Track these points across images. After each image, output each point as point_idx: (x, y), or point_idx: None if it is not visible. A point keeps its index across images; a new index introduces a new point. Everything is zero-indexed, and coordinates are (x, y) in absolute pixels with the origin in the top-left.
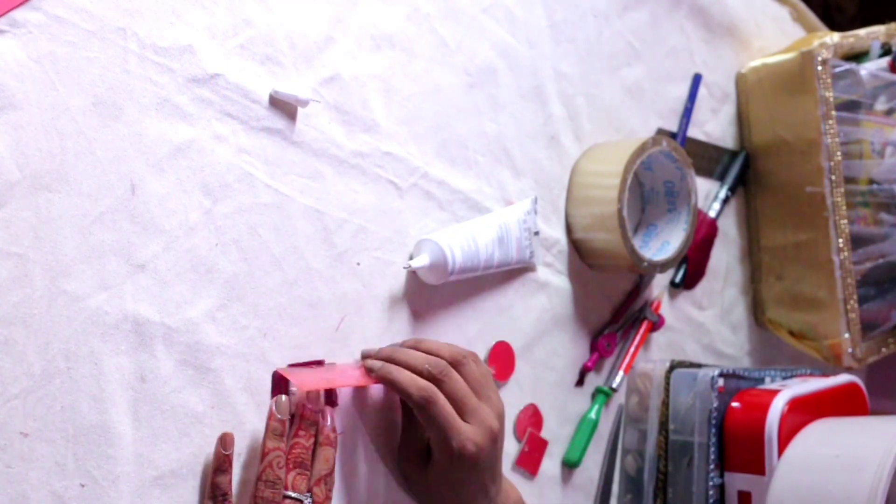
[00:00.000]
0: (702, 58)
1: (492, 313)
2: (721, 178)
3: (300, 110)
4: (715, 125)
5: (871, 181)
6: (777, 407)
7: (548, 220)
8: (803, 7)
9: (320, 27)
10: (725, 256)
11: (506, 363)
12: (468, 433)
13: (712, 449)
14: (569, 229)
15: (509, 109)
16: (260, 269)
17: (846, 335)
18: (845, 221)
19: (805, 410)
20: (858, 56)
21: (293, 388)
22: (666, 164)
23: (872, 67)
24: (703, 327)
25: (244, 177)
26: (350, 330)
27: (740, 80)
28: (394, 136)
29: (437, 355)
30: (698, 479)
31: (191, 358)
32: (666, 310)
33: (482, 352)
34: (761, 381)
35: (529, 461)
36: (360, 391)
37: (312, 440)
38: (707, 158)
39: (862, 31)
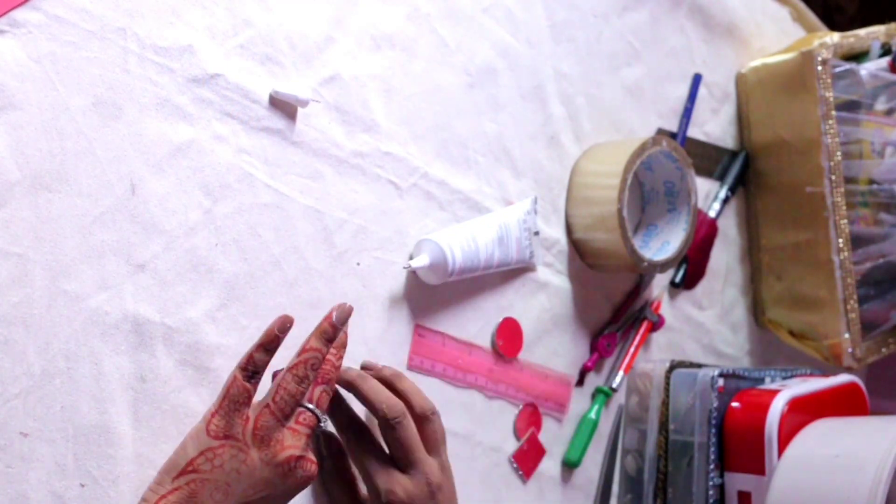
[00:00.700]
0: (702, 58)
1: (492, 313)
2: (721, 178)
3: (300, 110)
4: (715, 125)
5: (871, 181)
6: (777, 407)
7: (548, 220)
8: (803, 7)
9: (320, 27)
10: (725, 256)
11: (513, 339)
12: (400, 480)
13: (712, 449)
14: (569, 229)
15: (509, 109)
16: (260, 269)
17: (846, 335)
18: (845, 221)
19: (805, 410)
20: (858, 56)
21: None
22: (666, 164)
23: (872, 67)
24: (703, 327)
25: (244, 177)
26: (350, 330)
27: (740, 80)
28: (394, 136)
29: (405, 400)
30: (698, 479)
31: (191, 358)
32: (666, 310)
33: (488, 329)
34: (761, 381)
35: (525, 460)
36: None
37: (341, 364)
38: (707, 158)
39: (862, 31)
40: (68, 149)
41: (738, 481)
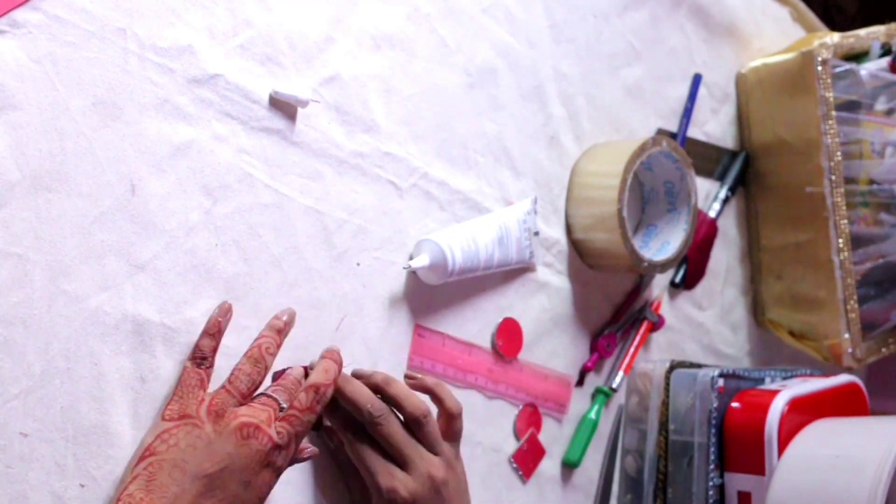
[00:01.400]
0: (702, 58)
1: (492, 313)
2: (721, 178)
3: (300, 110)
4: (715, 125)
5: (871, 181)
6: (777, 407)
7: (548, 221)
8: (803, 7)
9: (320, 27)
10: (725, 256)
11: (513, 340)
12: (401, 478)
13: (712, 449)
14: (569, 229)
15: (509, 109)
16: (260, 269)
17: (846, 335)
18: (845, 221)
19: (805, 410)
20: (858, 56)
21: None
22: (666, 164)
23: (872, 67)
24: (703, 327)
25: (244, 177)
26: (350, 330)
27: (740, 80)
28: (394, 137)
29: (397, 405)
30: (698, 479)
31: None
32: (666, 310)
33: (488, 330)
34: (761, 381)
35: (525, 460)
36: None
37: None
38: (707, 158)
39: (862, 31)
40: (68, 149)
41: (738, 481)
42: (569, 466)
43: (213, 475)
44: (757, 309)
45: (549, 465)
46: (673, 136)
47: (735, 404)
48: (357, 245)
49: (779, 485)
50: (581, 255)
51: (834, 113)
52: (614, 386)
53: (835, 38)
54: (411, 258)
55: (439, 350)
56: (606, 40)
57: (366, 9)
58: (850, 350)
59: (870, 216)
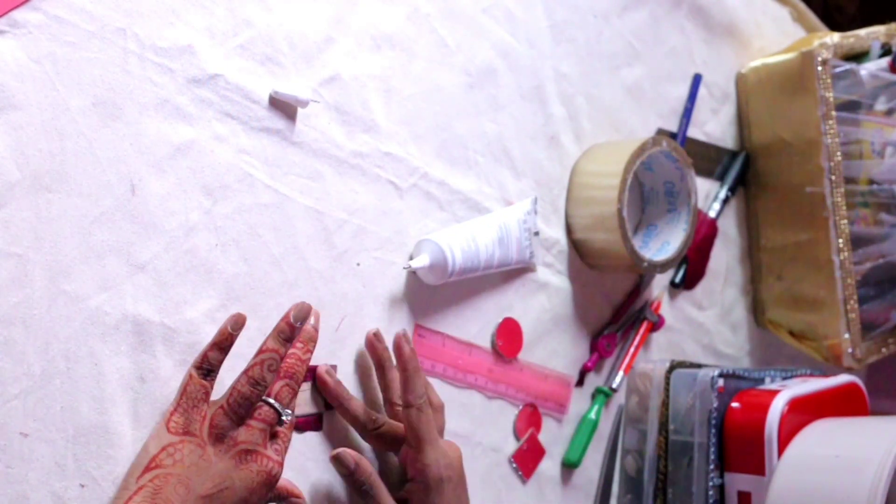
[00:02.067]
0: (702, 58)
1: (492, 313)
2: (721, 178)
3: (300, 110)
4: (715, 125)
5: (871, 181)
6: (777, 407)
7: (548, 221)
8: (803, 7)
9: (320, 27)
10: (725, 256)
11: (513, 340)
12: (437, 455)
13: (712, 449)
14: (569, 229)
15: (509, 109)
16: (260, 269)
17: (846, 335)
18: (845, 221)
19: (805, 411)
20: (858, 56)
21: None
22: (666, 164)
23: (872, 67)
24: (703, 327)
25: (244, 177)
26: (350, 330)
27: (740, 81)
28: (394, 137)
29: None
30: (698, 479)
31: (191, 358)
32: (666, 310)
33: (488, 330)
34: (761, 381)
35: (525, 460)
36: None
37: (309, 357)
38: (707, 158)
39: (862, 31)
40: (68, 149)
41: (737, 481)
42: (569, 466)
43: (212, 496)
44: (757, 309)
45: (549, 466)
46: (673, 136)
47: (735, 404)
48: (357, 245)
49: (779, 485)
50: (581, 255)
51: (834, 113)
52: (614, 386)
53: (835, 38)
54: (411, 258)
55: (439, 350)
56: (606, 40)
57: (366, 9)
58: (850, 350)
59: (870, 216)
